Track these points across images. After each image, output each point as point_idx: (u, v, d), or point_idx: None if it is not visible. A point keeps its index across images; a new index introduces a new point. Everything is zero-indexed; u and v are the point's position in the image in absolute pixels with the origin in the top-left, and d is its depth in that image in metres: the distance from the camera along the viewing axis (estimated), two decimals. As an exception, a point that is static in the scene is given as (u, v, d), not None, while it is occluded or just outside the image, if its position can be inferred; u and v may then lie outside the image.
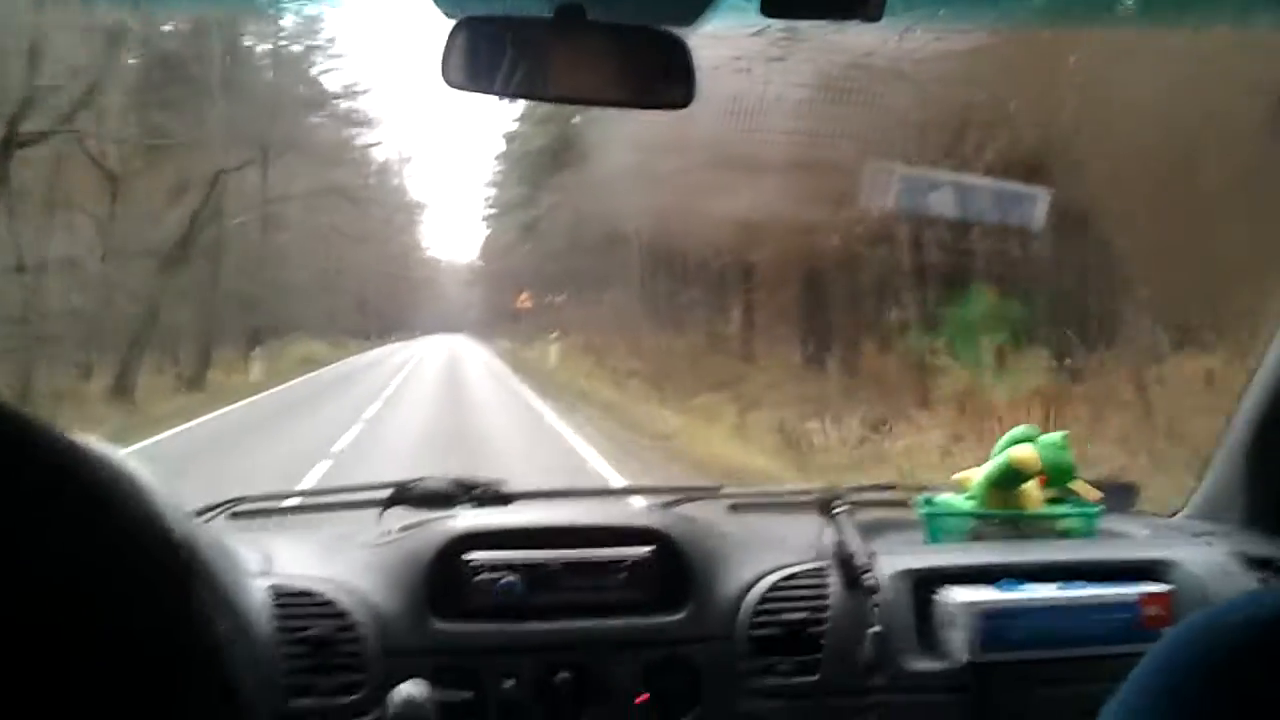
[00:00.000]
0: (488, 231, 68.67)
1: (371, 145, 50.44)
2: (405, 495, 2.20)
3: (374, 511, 2.20)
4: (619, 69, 1.70)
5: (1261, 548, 2.09)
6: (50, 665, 0.59)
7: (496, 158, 59.01)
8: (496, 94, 1.69)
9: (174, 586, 0.70)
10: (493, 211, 62.30)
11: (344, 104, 42.66)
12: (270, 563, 1.91)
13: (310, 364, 33.39)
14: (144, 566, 0.68)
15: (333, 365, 35.61)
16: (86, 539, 0.64)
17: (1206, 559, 2.03)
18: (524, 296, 36.29)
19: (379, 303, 63.66)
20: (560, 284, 40.14)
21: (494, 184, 60.24)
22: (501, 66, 1.64)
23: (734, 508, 2.33)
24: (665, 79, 1.70)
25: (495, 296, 67.15)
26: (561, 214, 34.72)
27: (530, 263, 46.67)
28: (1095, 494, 2.21)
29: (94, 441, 0.69)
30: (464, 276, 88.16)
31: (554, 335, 32.92)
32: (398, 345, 58.19)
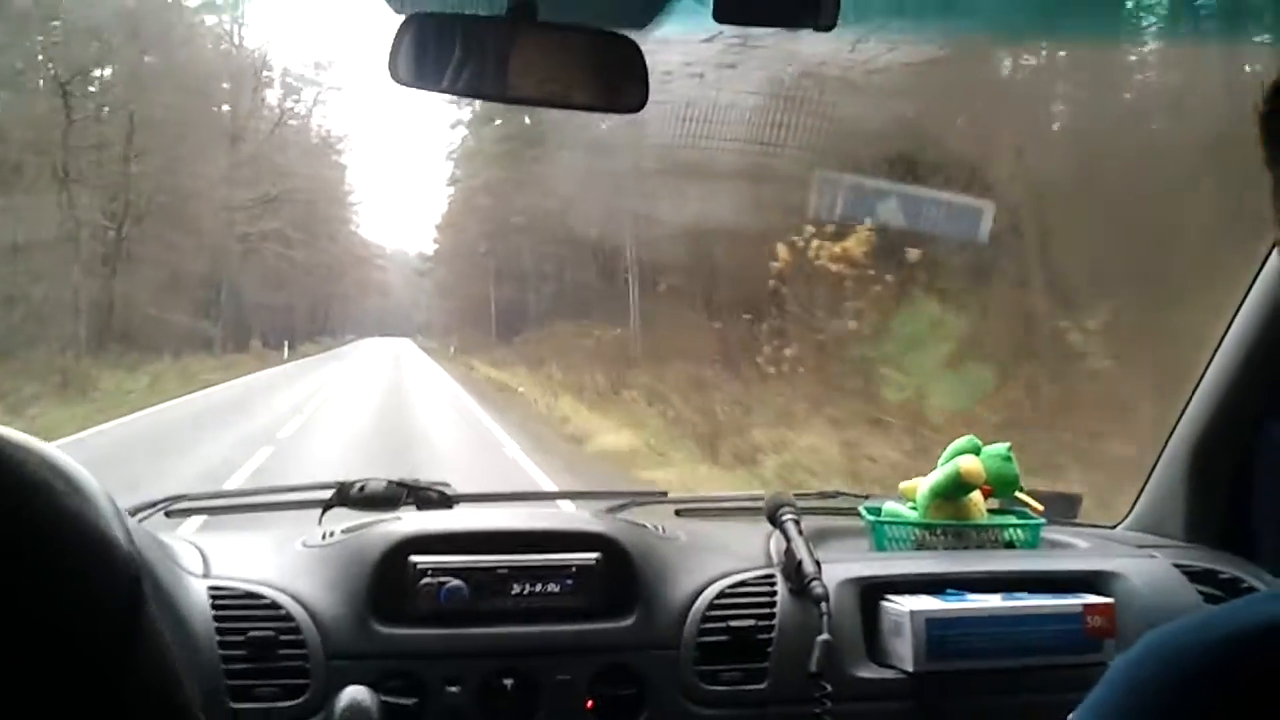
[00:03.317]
0: (450, 191, 48.76)
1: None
2: (347, 496, 2.18)
3: (314, 513, 2.18)
4: (572, 71, 1.69)
5: (1203, 561, 2.11)
6: None
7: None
8: (445, 91, 1.68)
9: (122, 590, 0.69)
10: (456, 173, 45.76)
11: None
12: (209, 563, 1.87)
13: None
14: (93, 570, 0.67)
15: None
16: (34, 544, 0.64)
17: (1149, 571, 2.05)
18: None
19: (253, 292, 38.73)
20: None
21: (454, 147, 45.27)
22: (451, 64, 1.63)
23: (679, 513, 2.32)
24: (619, 82, 1.69)
25: (469, 287, 45.42)
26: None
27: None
28: (1038, 506, 2.22)
29: (33, 440, 0.68)
30: (413, 265, 64.85)
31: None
32: (282, 372, 32.03)
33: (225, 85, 36.56)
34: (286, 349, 41.03)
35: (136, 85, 28.60)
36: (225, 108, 36.92)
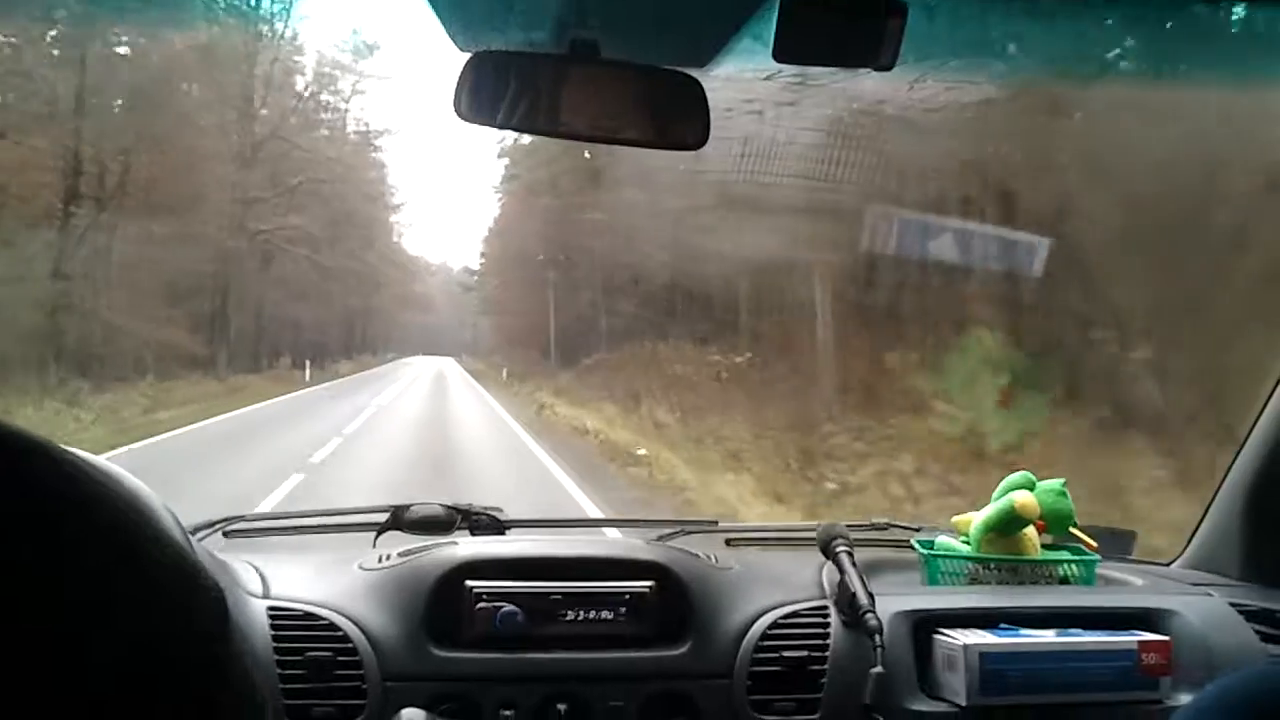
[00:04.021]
0: (500, 198, 43.11)
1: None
2: (401, 520, 2.21)
3: (368, 536, 2.21)
4: (634, 107, 1.72)
5: (1259, 600, 2.10)
6: (75, 687, 0.59)
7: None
8: (511, 128, 1.71)
9: (211, 613, 0.70)
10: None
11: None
12: (268, 583, 1.91)
13: None
14: (183, 594, 0.68)
15: None
16: (115, 558, 0.64)
17: (1205, 609, 2.04)
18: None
19: (273, 302, 32.49)
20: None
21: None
22: (516, 101, 1.66)
23: (730, 543, 2.33)
24: (680, 119, 1.71)
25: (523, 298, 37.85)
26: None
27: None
28: (1093, 542, 2.21)
29: (97, 459, 0.70)
30: (457, 280, 57.13)
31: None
32: (289, 403, 23.72)
33: (237, 52, 28.45)
34: (308, 370, 33.68)
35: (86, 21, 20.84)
36: (252, 109, 29.63)
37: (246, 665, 0.74)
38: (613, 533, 2.61)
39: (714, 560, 2.07)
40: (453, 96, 1.68)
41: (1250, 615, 2.04)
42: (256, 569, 1.95)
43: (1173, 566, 2.40)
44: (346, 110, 38.22)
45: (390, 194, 47.36)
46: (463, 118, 1.69)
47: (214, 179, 26.86)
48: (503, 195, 43.56)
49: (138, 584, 0.64)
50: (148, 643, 0.64)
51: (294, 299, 34.27)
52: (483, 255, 51.94)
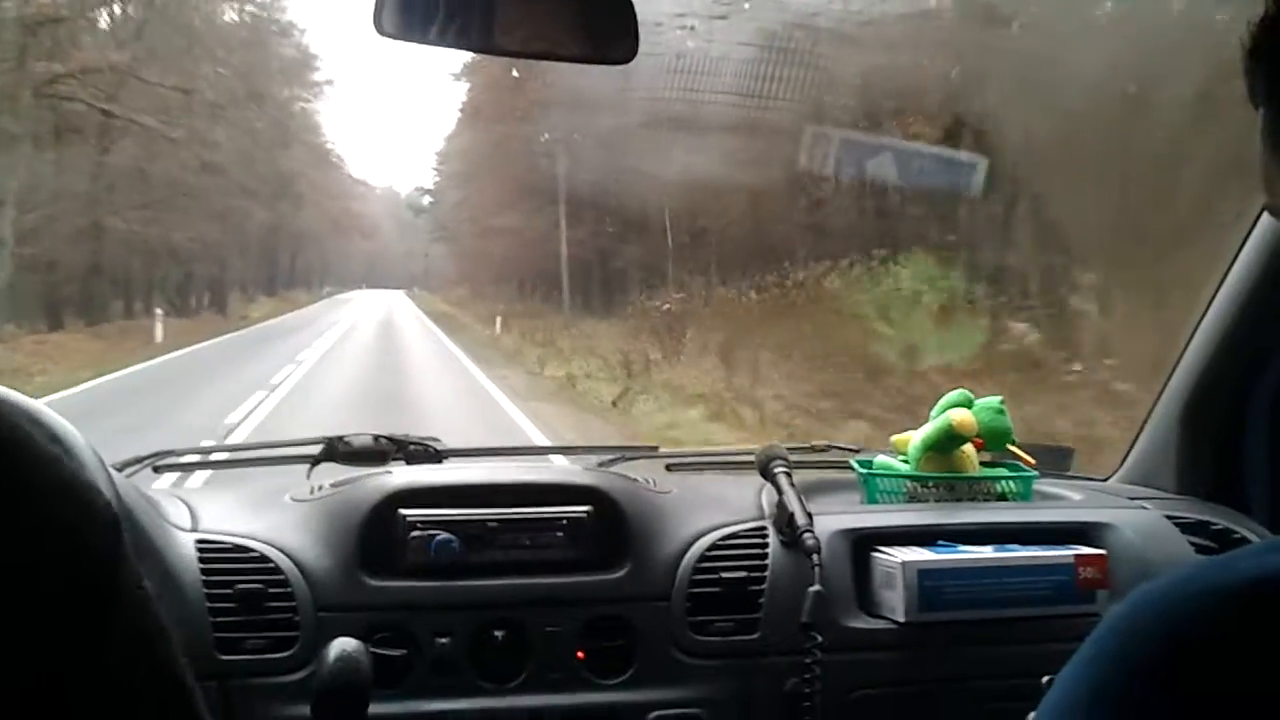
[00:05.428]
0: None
1: None
2: (336, 451, 2.19)
3: (303, 468, 2.18)
4: (560, 21, 1.67)
5: (1195, 512, 2.12)
6: None
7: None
8: (432, 43, 1.66)
9: (102, 537, 0.70)
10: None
11: None
12: (197, 517, 1.87)
13: None
14: (73, 517, 0.68)
15: None
16: (12, 490, 0.64)
17: (1141, 522, 2.06)
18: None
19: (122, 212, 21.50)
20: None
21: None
22: (438, 16, 1.61)
23: (670, 467, 2.32)
24: (608, 33, 1.67)
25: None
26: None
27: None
28: (1030, 459, 2.22)
29: (13, 393, 0.68)
30: (408, 203, 46.26)
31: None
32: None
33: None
34: (160, 325, 22.22)
35: None
36: None
37: (146, 591, 0.73)
38: (554, 460, 2.59)
39: (653, 484, 2.06)
40: (374, 12, 1.62)
41: (1186, 527, 2.06)
42: (185, 503, 1.91)
43: (1110, 481, 2.42)
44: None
45: (311, 68, 36.46)
46: (385, 34, 1.63)
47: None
48: (469, 75, 32.67)
49: (16, 504, 0.64)
50: (30, 563, 0.63)
51: (163, 209, 23.12)
52: (438, 169, 40.53)
